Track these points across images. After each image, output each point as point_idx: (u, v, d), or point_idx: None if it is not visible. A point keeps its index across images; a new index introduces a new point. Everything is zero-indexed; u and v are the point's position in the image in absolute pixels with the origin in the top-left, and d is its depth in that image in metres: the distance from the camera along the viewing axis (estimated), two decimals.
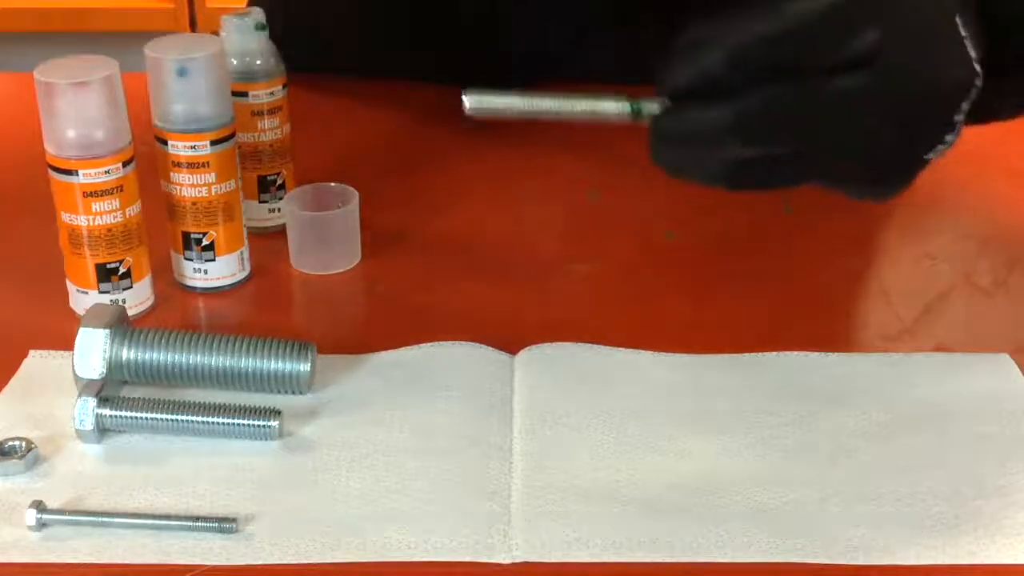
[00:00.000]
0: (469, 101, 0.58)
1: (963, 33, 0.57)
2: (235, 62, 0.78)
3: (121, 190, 0.70)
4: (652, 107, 0.57)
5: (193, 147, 0.72)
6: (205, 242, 0.74)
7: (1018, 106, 0.68)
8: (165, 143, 0.72)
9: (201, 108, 0.72)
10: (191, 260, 0.74)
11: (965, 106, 0.58)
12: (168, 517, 0.57)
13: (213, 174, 0.72)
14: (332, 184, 0.79)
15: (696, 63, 0.55)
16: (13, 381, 0.67)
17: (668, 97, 0.57)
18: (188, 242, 0.74)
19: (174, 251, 0.75)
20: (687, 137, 0.56)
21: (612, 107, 0.58)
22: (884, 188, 0.60)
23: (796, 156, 0.57)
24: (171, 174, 0.73)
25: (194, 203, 0.73)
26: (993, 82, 0.60)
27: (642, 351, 0.70)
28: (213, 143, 0.72)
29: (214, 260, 0.75)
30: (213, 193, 0.73)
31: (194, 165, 0.72)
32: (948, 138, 0.58)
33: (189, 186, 0.73)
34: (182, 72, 0.70)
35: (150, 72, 0.71)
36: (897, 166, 0.60)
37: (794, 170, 0.58)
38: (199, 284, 0.75)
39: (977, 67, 0.57)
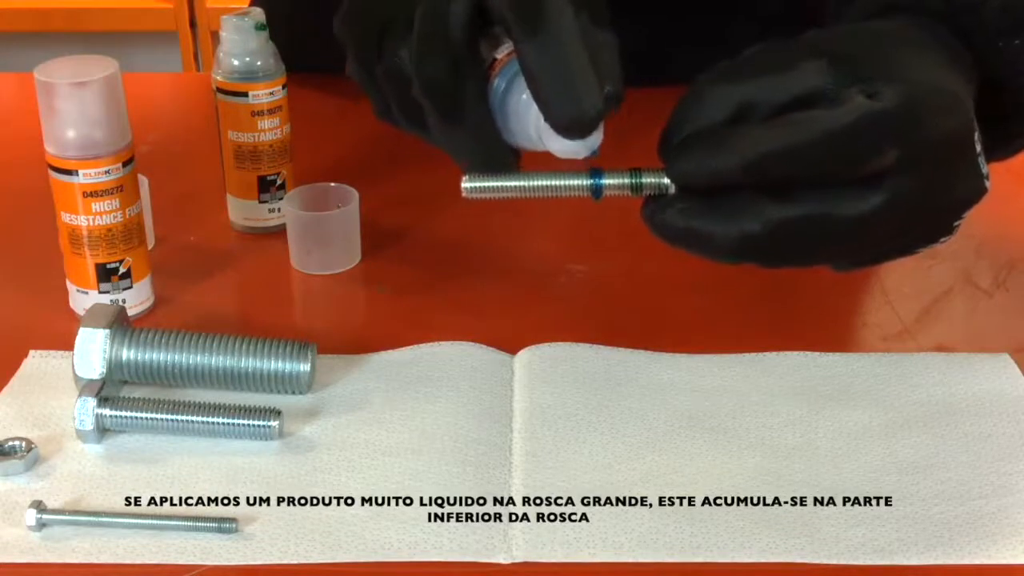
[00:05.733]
0: (465, 185, 0.58)
1: (978, 149, 0.57)
2: (235, 62, 0.78)
3: (121, 190, 0.69)
4: (652, 182, 0.57)
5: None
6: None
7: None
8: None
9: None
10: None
11: (966, 214, 0.58)
12: (168, 517, 0.57)
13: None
14: (332, 184, 0.79)
15: (710, 163, 0.54)
16: (13, 381, 0.67)
17: (674, 183, 0.56)
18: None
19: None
20: (687, 238, 0.56)
21: (611, 181, 0.57)
22: (870, 266, 0.63)
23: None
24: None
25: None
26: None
27: (642, 351, 0.70)
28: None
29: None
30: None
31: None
32: (943, 239, 0.59)
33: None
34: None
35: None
36: (889, 259, 0.61)
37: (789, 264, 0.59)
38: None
39: (987, 183, 0.57)
